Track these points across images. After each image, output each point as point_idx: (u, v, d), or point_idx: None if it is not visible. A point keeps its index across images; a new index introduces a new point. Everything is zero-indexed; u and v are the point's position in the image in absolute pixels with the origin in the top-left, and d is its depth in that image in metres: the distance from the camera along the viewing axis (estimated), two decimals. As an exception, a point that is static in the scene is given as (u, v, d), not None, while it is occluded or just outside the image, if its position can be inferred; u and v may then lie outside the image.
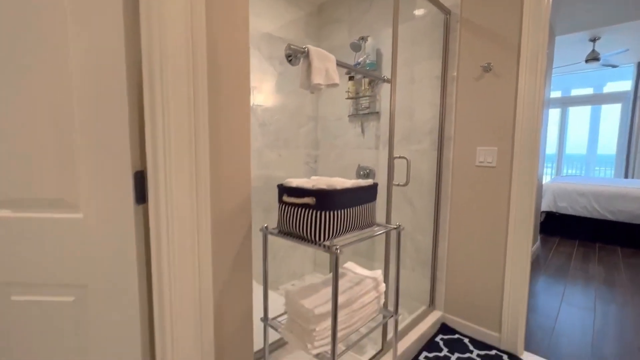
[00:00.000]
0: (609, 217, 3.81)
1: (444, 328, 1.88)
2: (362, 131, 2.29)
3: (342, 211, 0.71)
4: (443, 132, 1.86)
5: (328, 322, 0.69)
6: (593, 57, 4.08)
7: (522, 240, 1.62)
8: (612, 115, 5.96)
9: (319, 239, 0.68)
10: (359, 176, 2.31)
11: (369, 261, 2.32)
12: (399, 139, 2.08)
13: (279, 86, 2.29)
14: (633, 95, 5.46)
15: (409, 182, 1.55)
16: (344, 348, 0.74)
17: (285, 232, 0.79)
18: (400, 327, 1.68)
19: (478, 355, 1.64)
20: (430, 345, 1.73)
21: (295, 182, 0.75)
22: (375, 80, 2.15)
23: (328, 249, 0.65)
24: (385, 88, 2.13)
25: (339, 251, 0.65)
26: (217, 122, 0.74)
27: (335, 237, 0.71)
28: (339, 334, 0.73)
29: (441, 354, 1.65)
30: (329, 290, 0.77)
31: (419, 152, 1.99)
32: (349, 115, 2.36)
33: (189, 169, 0.66)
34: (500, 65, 1.65)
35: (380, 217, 2.30)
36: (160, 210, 0.64)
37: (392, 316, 0.92)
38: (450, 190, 1.86)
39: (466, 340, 1.77)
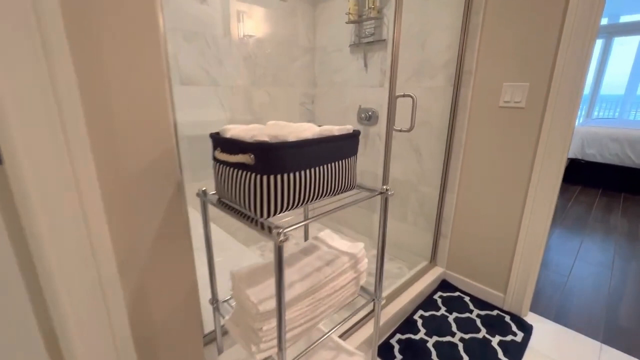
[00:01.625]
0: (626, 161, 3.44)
1: (444, 285, 1.76)
2: (365, 65, 1.93)
3: (297, 174, 0.48)
4: (463, 65, 1.50)
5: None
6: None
7: (545, 198, 1.38)
8: (664, 47, 5.12)
9: (260, 214, 0.47)
10: (359, 119, 2.02)
11: (354, 232, 2.14)
12: (409, 75, 1.74)
13: (267, 11, 1.89)
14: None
15: (414, 126, 1.27)
16: (304, 347, 0.58)
17: (224, 201, 0.58)
18: (398, 284, 1.56)
19: (478, 316, 1.53)
20: (427, 302, 1.62)
21: (232, 130, 0.51)
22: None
23: (270, 231, 0.44)
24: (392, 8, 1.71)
25: (282, 237, 0.43)
26: (89, 35, 0.48)
27: (286, 211, 0.50)
28: (297, 331, 0.56)
29: (438, 313, 1.55)
30: (288, 273, 0.58)
31: (430, 90, 1.66)
32: (350, 45, 1.97)
33: (45, 111, 0.42)
34: (549, -33, 1.22)
35: (377, 167, 2.08)
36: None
37: (373, 300, 0.75)
38: (465, 136, 1.57)
39: (467, 299, 1.65)
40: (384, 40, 1.79)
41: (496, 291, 1.61)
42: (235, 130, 0.52)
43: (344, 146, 0.57)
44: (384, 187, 0.67)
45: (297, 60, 2.15)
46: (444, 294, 1.69)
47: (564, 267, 2.03)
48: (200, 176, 1.67)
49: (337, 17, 2.00)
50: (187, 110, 1.69)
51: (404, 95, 1.21)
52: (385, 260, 1.64)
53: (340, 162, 0.56)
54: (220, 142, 0.53)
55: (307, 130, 0.51)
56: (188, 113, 1.69)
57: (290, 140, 0.46)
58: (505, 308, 1.58)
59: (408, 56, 1.70)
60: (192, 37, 1.62)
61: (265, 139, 0.45)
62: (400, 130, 1.27)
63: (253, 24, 1.84)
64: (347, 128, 0.60)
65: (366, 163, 2.07)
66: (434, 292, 1.71)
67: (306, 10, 2.10)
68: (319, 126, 0.56)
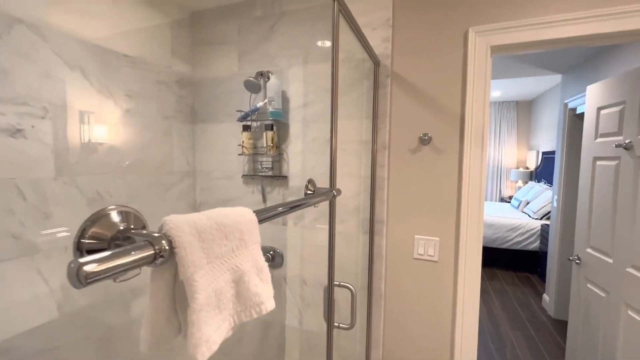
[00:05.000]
0: (473, 242, 4.34)
1: None
2: (264, 199, 1.67)
3: None
4: (373, 213, 1.44)
5: None
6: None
7: (469, 345, 1.34)
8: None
9: None
10: (260, 262, 1.67)
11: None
12: (315, 215, 1.56)
13: (128, 124, 1.43)
14: (473, 130, 6.67)
15: (356, 322, 1.03)
16: None
17: None
18: None
19: None
20: None
21: None
22: (282, 135, 1.57)
23: None
24: (294, 145, 1.58)
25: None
26: None
27: None
28: None
29: None
30: None
31: (342, 235, 1.51)
32: (243, 175, 1.69)
33: None
34: (442, 138, 1.33)
35: (286, 317, 1.73)
36: None
37: None
38: (384, 287, 1.45)
39: None
40: (285, 176, 1.60)
41: None
42: None
43: None
44: None
45: (174, 187, 1.70)
46: None
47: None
48: None
49: (226, 143, 1.72)
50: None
51: (339, 285, 0.97)
52: None
53: None
54: None
55: None
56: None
57: None
58: None
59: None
60: (-13, 189, 0.98)
61: None
62: (338, 327, 1.00)
63: (106, 147, 1.33)
64: None
65: (272, 313, 1.68)
66: None
67: (184, 129, 1.74)
68: None
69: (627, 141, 1.51)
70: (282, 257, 1.64)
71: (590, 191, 1.80)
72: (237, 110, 1.59)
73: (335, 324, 0.98)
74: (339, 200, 1.50)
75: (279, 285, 1.68)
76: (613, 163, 1.61)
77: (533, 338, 2.62)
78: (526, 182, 5.83)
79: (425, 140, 1.34)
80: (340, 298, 1.48)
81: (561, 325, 2.81)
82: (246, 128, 1.56)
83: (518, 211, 4.82)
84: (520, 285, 3.75)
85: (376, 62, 1.37)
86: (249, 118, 1.54)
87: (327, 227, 1.52)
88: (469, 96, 1.27)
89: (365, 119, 1.44)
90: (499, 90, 5.57)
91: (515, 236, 4.14)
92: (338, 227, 1.52)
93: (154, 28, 1.55)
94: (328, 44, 1.47)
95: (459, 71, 1.29)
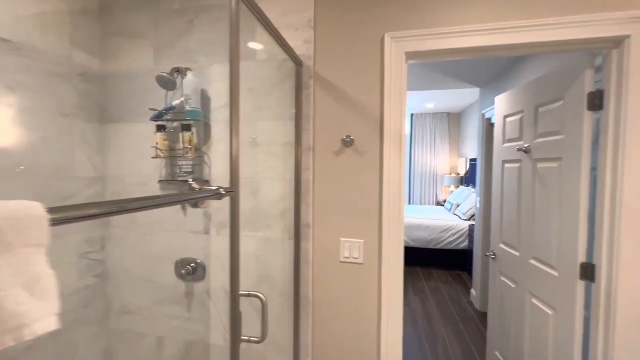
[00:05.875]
0: (412, 244, 4.57)
1: None
2: (184, 205, 1.53)
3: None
4: (299, 217, 1.40)
5: None
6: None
7: (394, 349, 1.35)
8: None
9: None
10: (179, 275, 1.52)
11: None
12: (241, 223, 1.47)
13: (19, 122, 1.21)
14: (409, 138, 7.12)
15: (267, 335, 0.96)
16: None
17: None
18: None
19: None
20: None
21: None
22: (203, 136, 1.46)
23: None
24: (216, 147, 1.48)
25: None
26: None
27: None
28: None
29: None
30: None
31: (268, 242, 1.44)
32: (159, 181, 1.54)
33: None
34: (363, 140, 1.35)
35: (210, 333, 1.59)
36: None
37: None
38: (312, 293, 1.41)
39: None
40: (207, 180, 1.49)
41: None
42: None
43: None
44: None
45: (80, 192, 1.48)
46: None
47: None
48: None
49: (139, 145, 1.55)
50: None
51: (248, 295, 0.89)
52: None
53: None
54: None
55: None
56: None
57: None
58: None
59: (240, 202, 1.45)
60: None
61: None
62: (248, 341, 0.92)
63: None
64: None
65: (194, 331, 1.54)
66: None
67: (88, 129, 1.54)
68: None
69: (526, 145, 1.68)
70: (204, 268, 1.51)
71: (501, 192, 1.98)
72: (149, 109, 1.45)
73: (245, 337, 0.90)
74: (264, 205, 1.43)
75: (202, 300, 1.54)
76: (516, 165, 1.79)
77: (462, 332, 2.79)
78: (457, 187, 6.34)
79: (347, 142, 1.35)
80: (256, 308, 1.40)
81: (485, 317, 3.04)
82: (160, 128, 1.42)
83: (450, 213, 5.20)
84: (452, 282, 4.01)
85: (298, 63, 1.35)
86: (163, 117, 1.41)
87: (254, 234, 1.44)
88: (387, 99, 1.30)
89: (290, 120, 1.40)
90: (432, 102, 6.03)
91: (448, 237, 4.44)
92: (263, 233, 1.45)
93: (47, 14, 1.35)
94: (250, 42, 1.41)
95: (378, 75, 1.32)
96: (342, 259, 1.38)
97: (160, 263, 1.56)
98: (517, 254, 1.77)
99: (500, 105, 1.99)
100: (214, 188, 0.60)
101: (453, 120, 7.01)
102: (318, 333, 1.42)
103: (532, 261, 1.63)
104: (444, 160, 7.04)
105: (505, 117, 1.93)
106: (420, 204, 7.01)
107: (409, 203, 7.18)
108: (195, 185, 0.78)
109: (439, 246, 4.49)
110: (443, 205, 6.43)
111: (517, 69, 2.63)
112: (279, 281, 1.44)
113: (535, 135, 1.62)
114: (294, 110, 1.38)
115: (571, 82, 1.36)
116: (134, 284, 1.60)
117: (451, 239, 4.43)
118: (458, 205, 5.14)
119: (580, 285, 1.31)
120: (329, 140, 1.38)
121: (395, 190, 1.32)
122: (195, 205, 1.48)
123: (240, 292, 0.85)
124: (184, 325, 1.55)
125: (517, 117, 1.79)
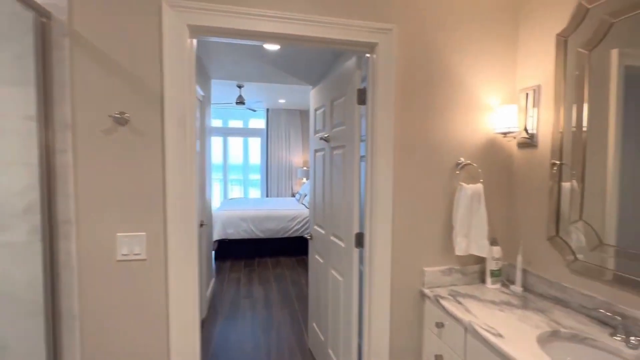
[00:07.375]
0: (261, 235, 4.63)
1: None
2: None
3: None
4: (55, 212, 1.10)
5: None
6: (240, 101, 4.81)
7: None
8: (255, 146, 7.62)
9: None
10: None
11: None
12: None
13: None
14: (266, 133, 7.24)
15: None
16: None
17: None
18: None
19: None
20: None
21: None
22: None
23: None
24: None
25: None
26: None
27: None
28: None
29: None
30: None
31: (7, 248, 1.08)
32: None
33: None
34: (142, 119, 1.17)
35: None
36: None
37: None
38: (78, 305, 1.15)
39: None
40: None
41: None
42: None
43: None
44: None
45: None
46: None
47: (228, 374, 2.07)
48: None
49: None
50: None
51: None
52: None
53: None
54: None
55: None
56: None
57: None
58: None
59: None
60: None
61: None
62: None
63: None
64: None
65: None
66: None
67: None
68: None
69: (326, 135, 1.88)
70: None
71: (314, 178, 2.17)
72: None
73: None
74: (-6, 199, 1.06)
75: None
76: (322, 153, 1.99)
77: (296, 312, 2.98)
78: (307, 179, 6.86)
79: (121, 120, 1.14)
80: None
81: (319, 294, 3.36)
82: None
83: (299, 203, 5.56)
84: (297, 267, 4.28)
85: (44, 15, 1.04)
86: None
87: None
88: (167, 76, 1.17)
89: (35, 87, 1.08)
90: (284, 98, 6.26)
91: (294, 225, 4.72)
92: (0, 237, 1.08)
93: None
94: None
95: (157, 46, 1.17)
96: (120, 258, 1.18)
97: None
98: (324, 232, 1.97)
99: (313, 99, 2.17)
100: None
101: (305, 116, 7.53)
102: (89, 354, 1.17)
103: (332, 237, 1.84)
104: (298, 155, 7.48)
105: (316, 110, 2.12)
106: (278, 197, 7.24)
107: (267, 196, 7.31)
108: None
109: (286, 235, 4.71)
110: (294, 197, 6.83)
111: (335, 68, 2.96)
112: (26, 300, 1.10)
113: (332, 126, 1.82)
114: (41, 77, 1.07)
115: (349, 81, 1.57)
116: None
117: (297, 227, 4.72)
118: (305, 196, 5.54)
119: (356, 252, 1.55)
120: (97, 116, 1.14)
121: (184, 177, 1.21)
122: None
123: None
124: None
125: (322, 110, 1.98)
